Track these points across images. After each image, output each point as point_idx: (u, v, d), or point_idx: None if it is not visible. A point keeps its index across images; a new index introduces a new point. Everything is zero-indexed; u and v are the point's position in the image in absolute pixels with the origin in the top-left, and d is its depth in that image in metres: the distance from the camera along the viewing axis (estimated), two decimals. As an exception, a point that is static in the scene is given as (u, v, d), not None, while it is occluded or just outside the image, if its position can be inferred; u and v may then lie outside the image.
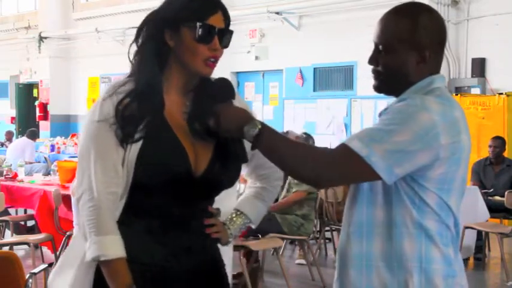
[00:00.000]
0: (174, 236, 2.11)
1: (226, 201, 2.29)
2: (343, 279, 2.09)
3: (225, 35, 2.11)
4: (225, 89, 2.13)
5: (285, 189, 6.79)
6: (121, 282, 2.02)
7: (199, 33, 2.06)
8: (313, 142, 8.16)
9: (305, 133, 8.60)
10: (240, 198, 2.36)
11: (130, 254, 2.04)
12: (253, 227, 2.39)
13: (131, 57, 2.14)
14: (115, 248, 2.01)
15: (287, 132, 8.61)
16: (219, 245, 2.26)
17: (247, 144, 2.06)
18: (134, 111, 2.05)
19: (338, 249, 2.15)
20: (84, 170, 2.04)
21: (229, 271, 2.32)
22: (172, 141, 2.08)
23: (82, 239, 2.05)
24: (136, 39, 2.13)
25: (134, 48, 2.14)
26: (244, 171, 2.33)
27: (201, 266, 2.17)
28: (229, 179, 2.19)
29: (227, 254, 2.31)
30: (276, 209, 6.56)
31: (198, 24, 2.06)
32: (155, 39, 2.09)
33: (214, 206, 2.25)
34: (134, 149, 2.04)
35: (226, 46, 2.13)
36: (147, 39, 2.11)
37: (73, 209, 6.09)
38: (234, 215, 2.30)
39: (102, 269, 2.03)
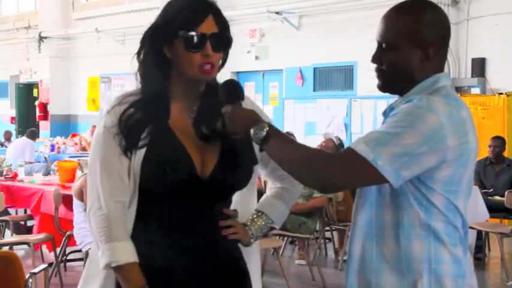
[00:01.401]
0: (185, 240, 2.12)
1: (247, 203, 2.30)
2: (353, 280, 2.08)
3: (217, 39, 2.11)
4: (233, 91, 2.13)
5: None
6: (134, 286, 2.05)
7: (190, 42, 2.08)
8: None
9: (339, 138, 8.47)
10: (261, 199, 2.36)
11: (142, 259, 2.08)
12: (277, 227, 2.37)
13: (136, 74, 2.17)
14: (126, 253, 2.05)
15: (325, 133, 8.39)
16: (243, 248, 2.26)
17: (257, 146, 2.07)
18: (138, 120, 2.09)
19: (347, 251, 2.13)
20: (93, 181, 2.10)
21: (257, 272, 2.31)
22: (175, 146, 2.10)
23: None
24: (138, 56, 2.16)
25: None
26: (263, 172, 2.34)
27: (215, 267, 2.17)
28: (239, 180, 2.20)
29: (253, 255, 2.31)
30: (295, 210, 6.52)
31: (187, 34, 2.07)
32: (155, 54, 2.12)
33: (234, 207, 2.25)
34: (138, 157, 2.08)
35: (221, 49, 2.13)
36: (147, 54, 2.14)
37: (74, 210, 6.10)
38: (254, 216, 2.30)
39: (115, 275, 2.07)
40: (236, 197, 2.26)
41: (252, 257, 2.30)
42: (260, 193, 2.39)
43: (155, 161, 2.07)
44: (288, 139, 2.04)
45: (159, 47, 2.11)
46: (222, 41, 2.13)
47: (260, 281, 2.33)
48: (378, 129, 1.99)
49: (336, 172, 1.95)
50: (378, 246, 2.02)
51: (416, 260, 1.98)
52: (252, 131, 2.01)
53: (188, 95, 2.17)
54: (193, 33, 2.08)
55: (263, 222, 2.29)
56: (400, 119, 1.93)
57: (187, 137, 2.13)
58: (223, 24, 2.13)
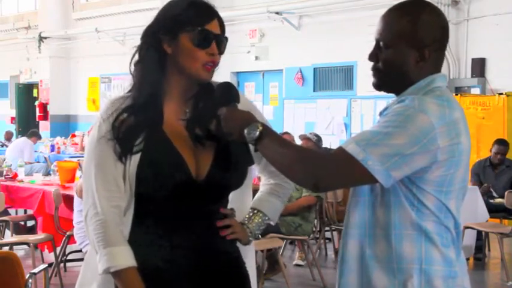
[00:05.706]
0: (183, 240, 2.13)
1: (243, 201, 2.31)
2: (344, 280, 2.09)
3: (221, 41, 2.15)
4: (229, 93, 2.15)
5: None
6: None
7: (198, 38, 2.10)
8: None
9: (315, 135, 8.59)
10: (255, 197, 2.37)
11: (141, 261, 2.08)
12: (273, 223, 2.39)
13: (132, 69, 2.17)
14: (124, 257, 2.05)
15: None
16: (239, 245, 2.26)
17: (253, 146, 2.08)
18: (131, 126, 2.10)
19: (339, 251, 2.14)
20: (88, 186, 2.11)
21: (253, 270, 2.32)
22: (169, 150, 2.11)
23: (95, 255, 2.10)
24: (138, 52, 2.16)
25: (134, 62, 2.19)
26: (257, 168, 2.35)
27: (215, 267, 2.17)
28: (234, 180, 2.21)
29: (249, 253, 2.32)
30: (285, 212, 6.52)
31: (196, 29, 2.10)
32: (153, 48, 2.13)
33: (231, 206, 2.26)
34: (133, 162, 2.08)
35: (222, 52, 2.17)
36: (146, 49, 2.14)
37: (74, 209, 6.10)
38: (251, 214, 2.31)
39: (114, 280, 2.07)
40: (232, 196, 2.27)
41: (249, 255, 2.31)
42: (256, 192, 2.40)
43: (150, 167, 2.08)
44: (281, 139, 2.05)
45: (160, 41, 2.12)
46: (223, 44, 2.16)
47: (255, 278, 2.33)
48: (369, 129, 1.99)
49: (327, 172, 1.96)
50: (370, 246, 2.02)
51: (407, 260, 1.98)
52: (245, 131, 2.03)
53: (182, 95, 2.17)
54: (203, 28, 2.10)
55: (260, 220, 2.30)
56: (391, 119, 1.94)
57: (181, 139, 2.14)
58: (223, 31, 2.17)
